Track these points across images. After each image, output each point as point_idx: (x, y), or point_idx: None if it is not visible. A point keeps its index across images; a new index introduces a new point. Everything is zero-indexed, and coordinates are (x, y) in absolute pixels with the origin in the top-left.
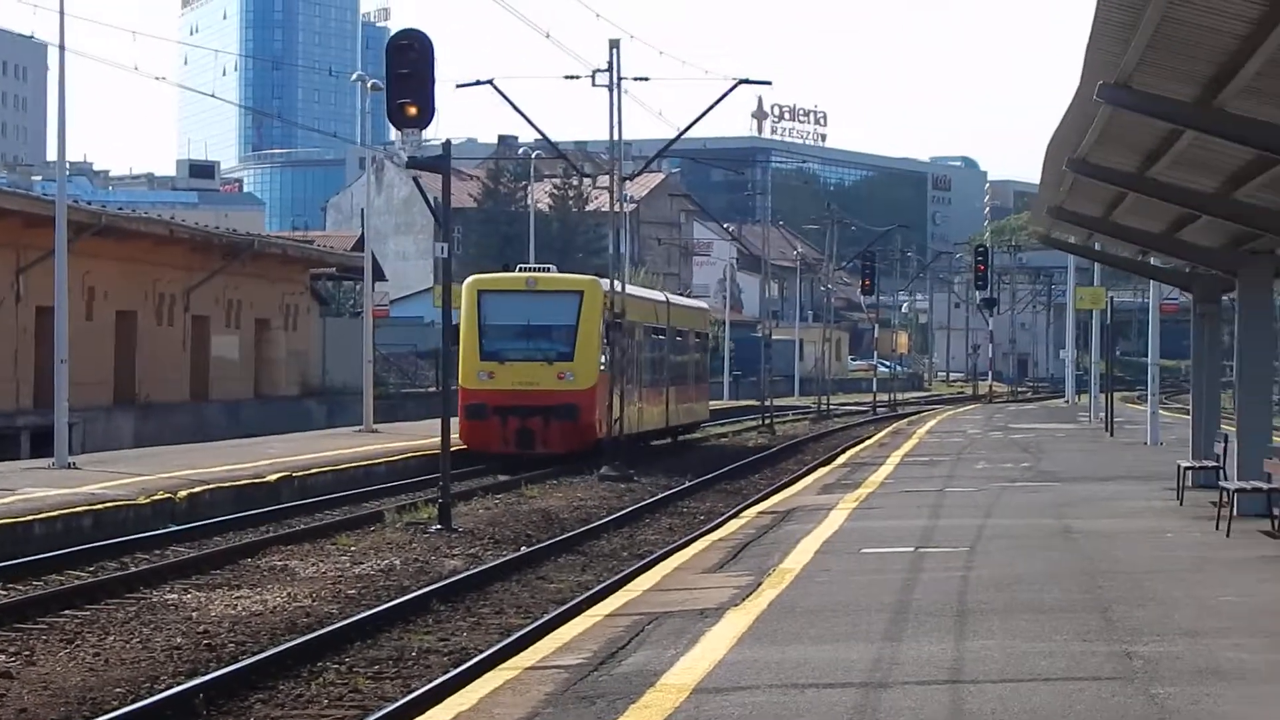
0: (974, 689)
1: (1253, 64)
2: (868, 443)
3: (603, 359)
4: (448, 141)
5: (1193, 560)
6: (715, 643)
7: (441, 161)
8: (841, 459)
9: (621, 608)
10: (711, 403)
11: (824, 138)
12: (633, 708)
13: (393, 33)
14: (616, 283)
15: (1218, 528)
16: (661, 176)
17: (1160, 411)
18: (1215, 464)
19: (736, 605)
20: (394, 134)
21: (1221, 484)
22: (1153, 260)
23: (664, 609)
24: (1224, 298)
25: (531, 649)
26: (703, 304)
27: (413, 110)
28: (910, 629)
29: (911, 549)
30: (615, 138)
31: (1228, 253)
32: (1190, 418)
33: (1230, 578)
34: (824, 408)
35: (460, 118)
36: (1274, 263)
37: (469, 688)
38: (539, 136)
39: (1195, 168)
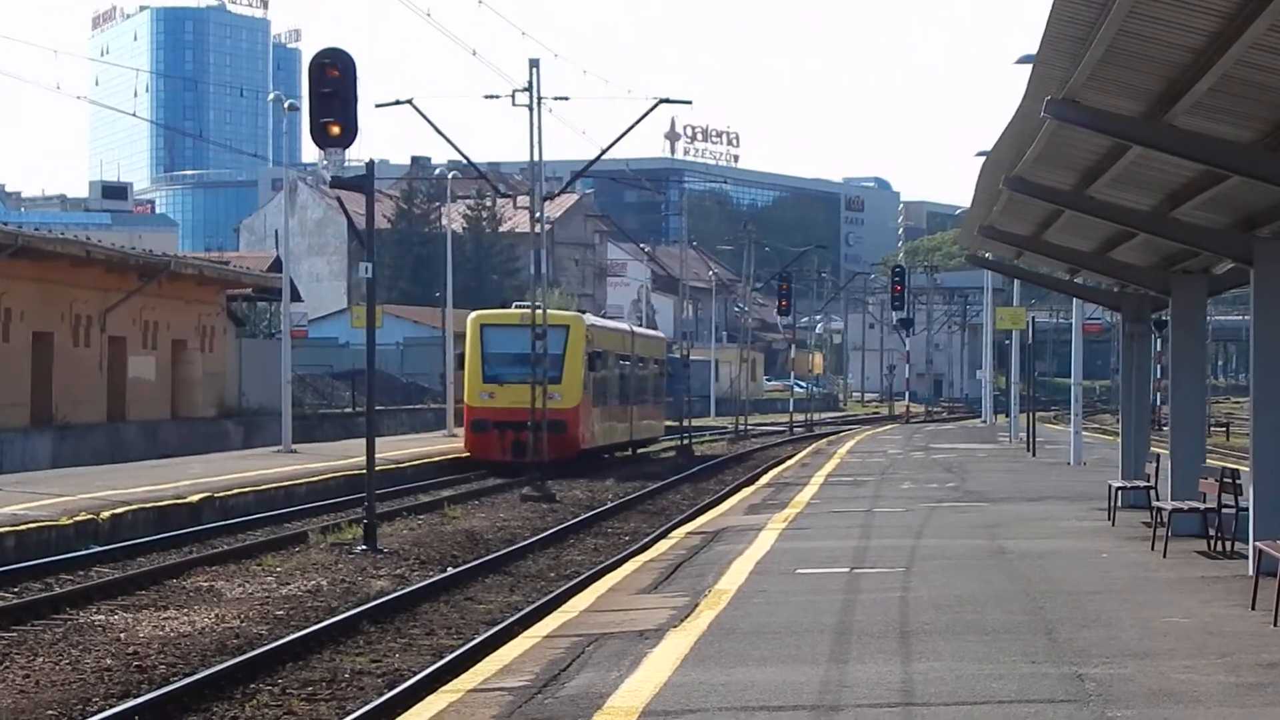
0: (927, 712)
1: (1206, 80)
2: (789, 463)
3: (586, 382)
4: (371, 162)
5: (1132, 581)
6: (658, 664)
7: (365, 181)
8: (764, 479)
9: (559, 629)
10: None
11: (736, 158)
12: None
13: (304, 53)
14: (592, 317)
15: (1153, 548)
16: (576, 197)
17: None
18: (1147, 484)
19: (676, 626)
20: (307, 156)
21: (1155, 504)
22: (1080, 280)
23: (603, 630)
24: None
25: (471, 671)
26: (661, 334)
27: (335, 130)
28: (855, 650)
29: (846, 569)
30: (535, 158)
31: (1159, 272)
32: (1120, 437)
33: (1172, 598)
34: (741, 428)
35: (372, 138)
36: (1207, 282)
37: (412, 710)
38: (453, 158)
39: (1134, 186)
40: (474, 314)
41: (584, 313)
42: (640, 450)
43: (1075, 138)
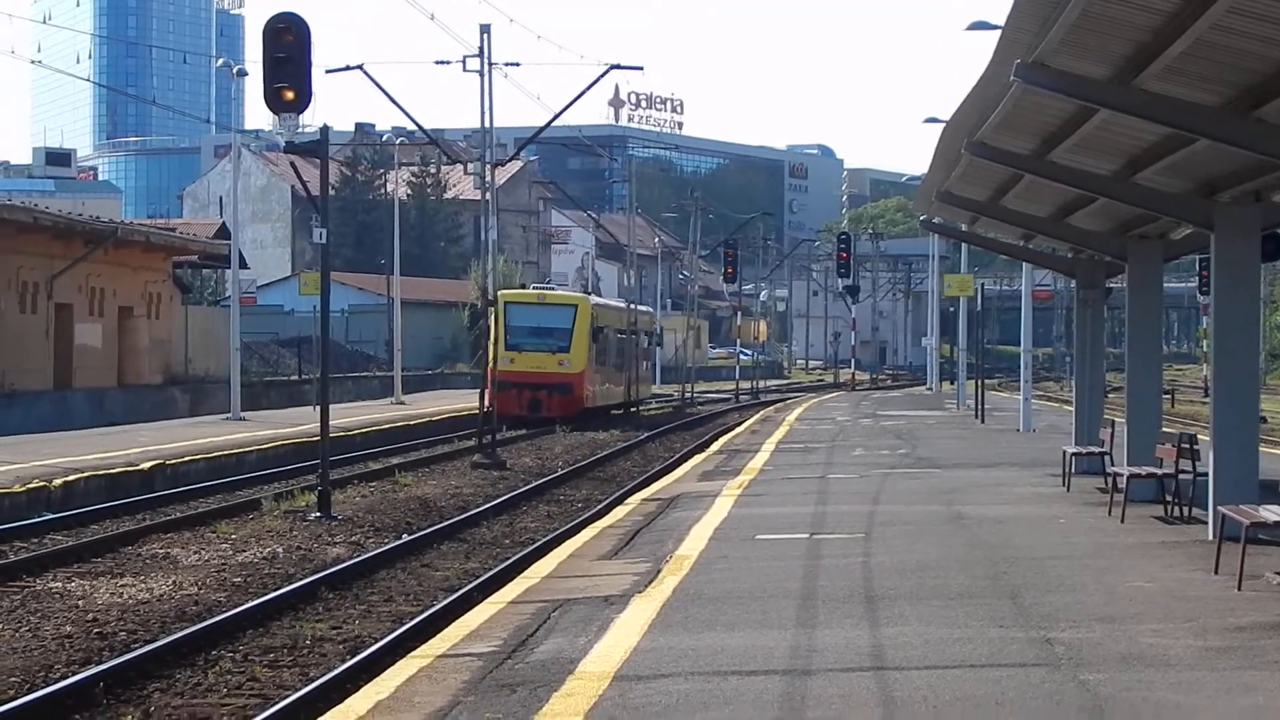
0: (899, 676)
1: (1179, 44)
2: (738, 430)
3: (590, 351)
4: (325, 127)
5: (1093, 546)
6: (626, 630)
7: (319, 146)
8: (715, 446)
9: (523, 595)
10: None
11: (681, 125)
12: (556, 696)
13: (246, 19)
14: (596, 297)
15: (1110, 513)
16: (520, 164)
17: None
18: (1101, 450)
19: (640, 592)
20: (251, 122)
21: (1112, 469)
22: (1033, 246)
23: (567, 596)
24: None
25: (439, 636)
26: (651, 309)
27: (290, 95)
28: (823, 616)
29: (806, 535)
30: (486, 124)
31: (1116, 237)
32: (1074, 404)
33: (1133, 563)
34: (688, 395)
35: (316, 105)
36: (1163, 247)
37: (384, 676)
38: (397, 125)
39: (1096, 151)
40: (501, 292)
41: (589, 293)
42: (635, 409)
43: (1040, 103)
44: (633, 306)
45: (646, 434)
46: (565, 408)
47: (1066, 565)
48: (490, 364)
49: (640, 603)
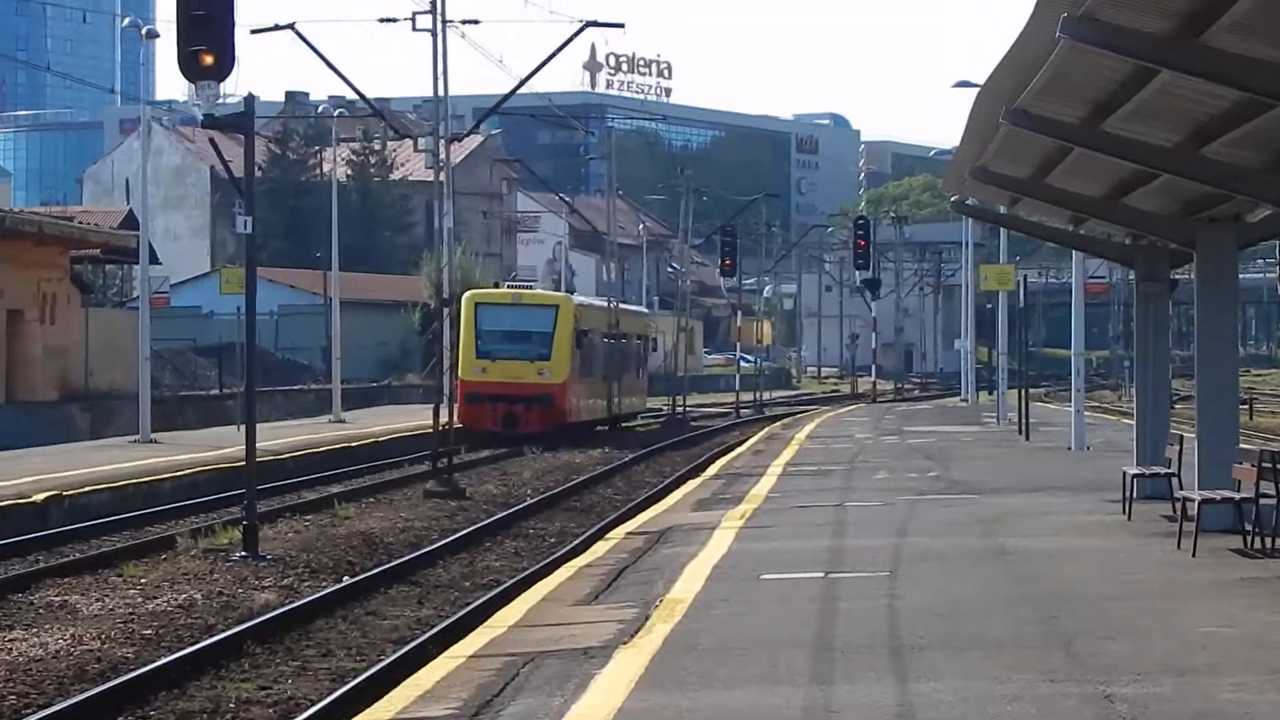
0: None
1: None
2: (739, 450)
3: (573, 359)
4: (251, 97)
5: (1158, 584)
6: (609, 688)
7: (244, 119)
8: (712, 470)
9: (486, 647)
10: None
11: (668, 92)
12: None
13: None
14: (580, 296)
15: (1179, 545)
16: (480, 139)
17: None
18: (1168, 471)
19: (625, 643)
20: (164, 92)
21: (1180, 493)
22: (1085, 231)
23: (538, 648)
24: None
25: (387, 699)
26: (644, 309)
27: (209, 59)
28: (841, 669)
29: (820, 574)
30: (439, 92)
31: (1182, 220)
32: (1135, 416)
33: (1207, 604)
34: (679, 409)
35: (242, 72)
36: (1237, 231)
37: None
38: (335, 93)
39: (1156, 120)
40: (469, 293)
41: (572, 293)
42: (624, 425)
43: (1091, 63)
44: (621, 306)
45: (631, 455)
46: (545, 422)
47: (1128, 607)
48: (452, 373)
49: (625, 655)
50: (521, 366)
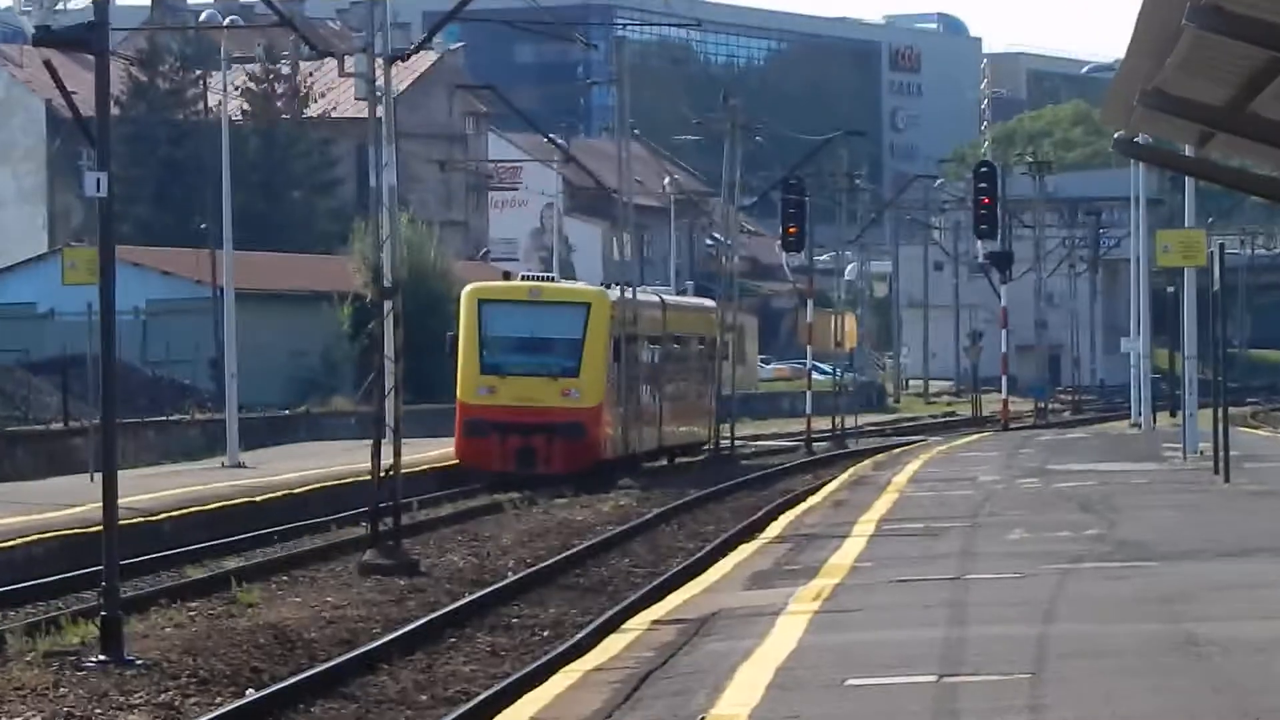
0: None
1: None
2: (813, 501)
3: (610, 374)
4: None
5: None
6: None
7: (95, 34)
8: (773, 529)
9: None
10: None
11: None
12: None
13: None
14: (619, 291)
15: None
16: (435, 58)
17: None
18: None
19: None
20: None
21: None
22: None
23: None
24: None
25: None
26: (707, 303)
27: None
28: None
29: (932, 678)
30: None
31: None
32: None
33: None
34: (725, 442)
35: None
36: None
37: None
38: None
39: None
40: (471, 286)
41: (609, 287)
42: (682, 459)
43: None
44: (676, 300)
45: (657, 510)
46: (573, 460)
47: None
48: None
49: None
50: (541, 385)
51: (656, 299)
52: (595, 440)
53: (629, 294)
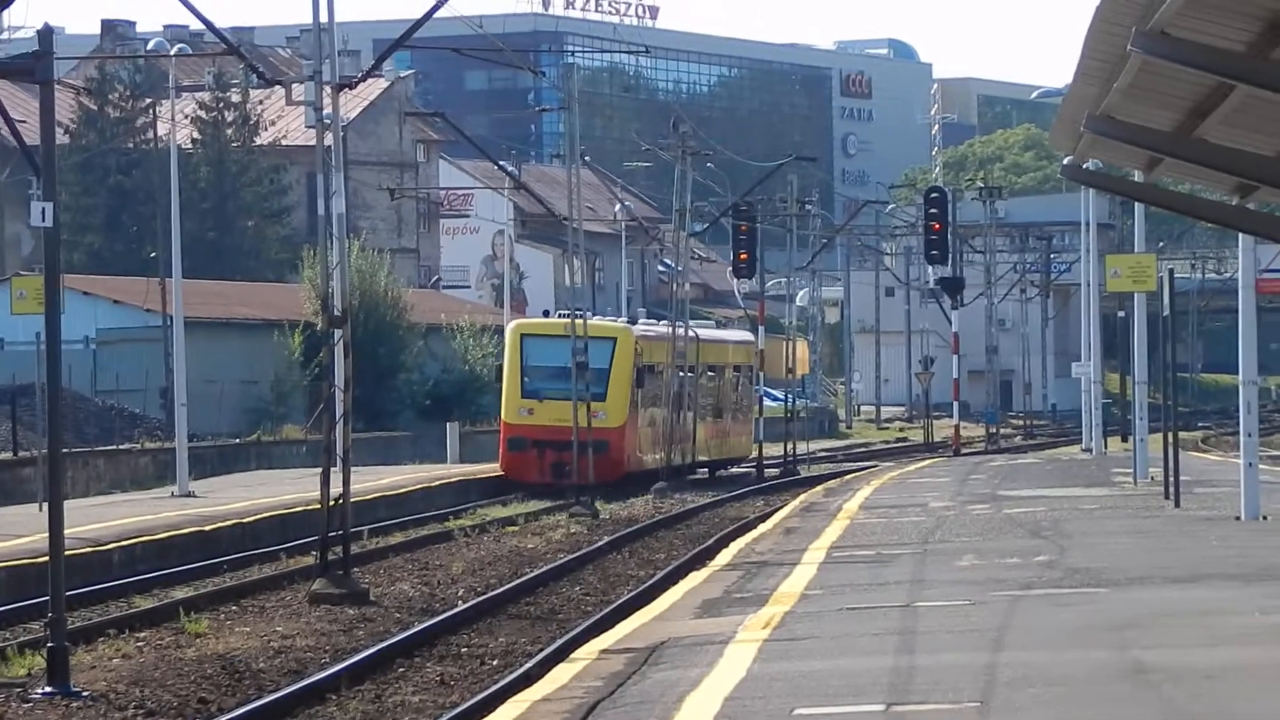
0: None
1: None
2: (764, 528)
3: (633, 398)
4: (49, 29)
5: None
6: None
7: (40, 62)
8: (724, 557)
9: None
10: (475, 467)
11: (654, 14)
12: None
13: None
14: (644, 326)
15: None
16: (385, 85)
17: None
18: None
19: None
20: None
21: None
22: (1255, 206)
23: None
24: None
25: None
26: (748, 336)
27: None
28: None
29: (881, 707)
30: (323, 16)
31: None
32: None
33: None
34: (676, 464)
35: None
36: None
37: None
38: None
39: None
40: (514, 322)
41: (633, 322)
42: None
43: None
44: (711, 334)
45: (607, 538)
46: (601, 472)
47: None
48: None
49: None
50: (573, 408)
51: (692, 333)
52: (620, 456)
53: (659, 328)
